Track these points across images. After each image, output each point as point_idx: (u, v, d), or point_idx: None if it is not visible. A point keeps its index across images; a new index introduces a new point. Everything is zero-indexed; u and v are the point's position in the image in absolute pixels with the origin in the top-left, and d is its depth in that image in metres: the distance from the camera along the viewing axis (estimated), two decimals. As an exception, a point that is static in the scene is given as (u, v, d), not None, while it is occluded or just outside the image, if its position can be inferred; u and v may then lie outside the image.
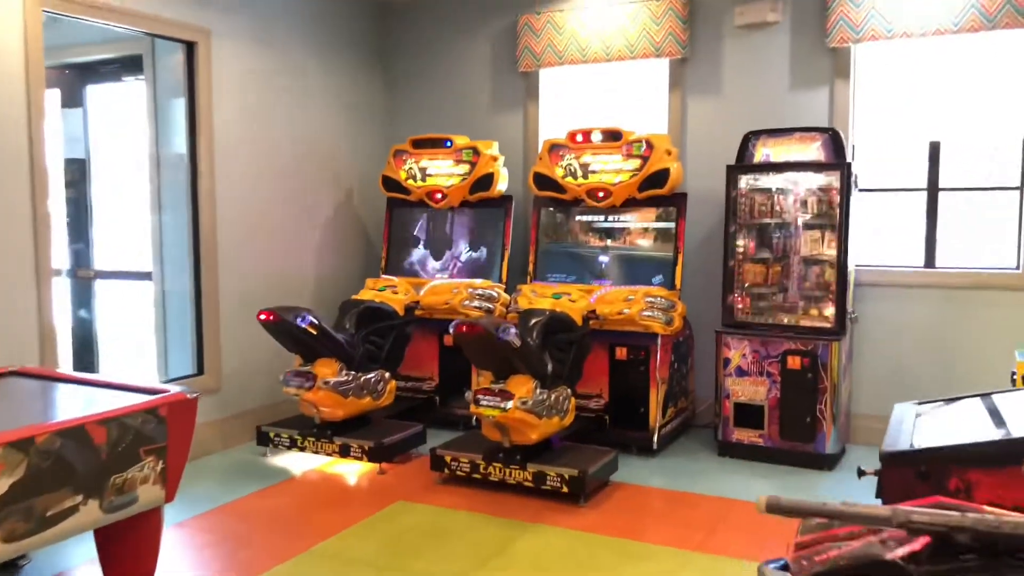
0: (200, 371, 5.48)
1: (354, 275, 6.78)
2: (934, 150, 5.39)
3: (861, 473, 2.35)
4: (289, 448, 5.32)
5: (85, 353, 5.69)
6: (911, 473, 2.15)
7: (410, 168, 6.39)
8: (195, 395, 3.47)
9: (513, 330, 4.45)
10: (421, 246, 6.47)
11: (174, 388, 3.50)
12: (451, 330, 4.56)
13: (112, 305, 5.96)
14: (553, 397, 4.74)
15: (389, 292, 5.98)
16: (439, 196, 6.27)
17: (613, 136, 5.64)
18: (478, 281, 6.04)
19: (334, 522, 4.34)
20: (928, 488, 2.11)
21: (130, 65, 5.82)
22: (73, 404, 3.54)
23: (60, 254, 5.39)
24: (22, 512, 2.81)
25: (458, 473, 4.84)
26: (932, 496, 1.85)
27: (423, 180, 6.34)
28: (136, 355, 5.96)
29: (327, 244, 6.55)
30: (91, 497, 3.05)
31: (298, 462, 5.32)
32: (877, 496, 2.25)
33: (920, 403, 2.83)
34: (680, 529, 4.25)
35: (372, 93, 7.00)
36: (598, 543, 4.06)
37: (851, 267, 5.25)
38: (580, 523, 4.30)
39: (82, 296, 5.79)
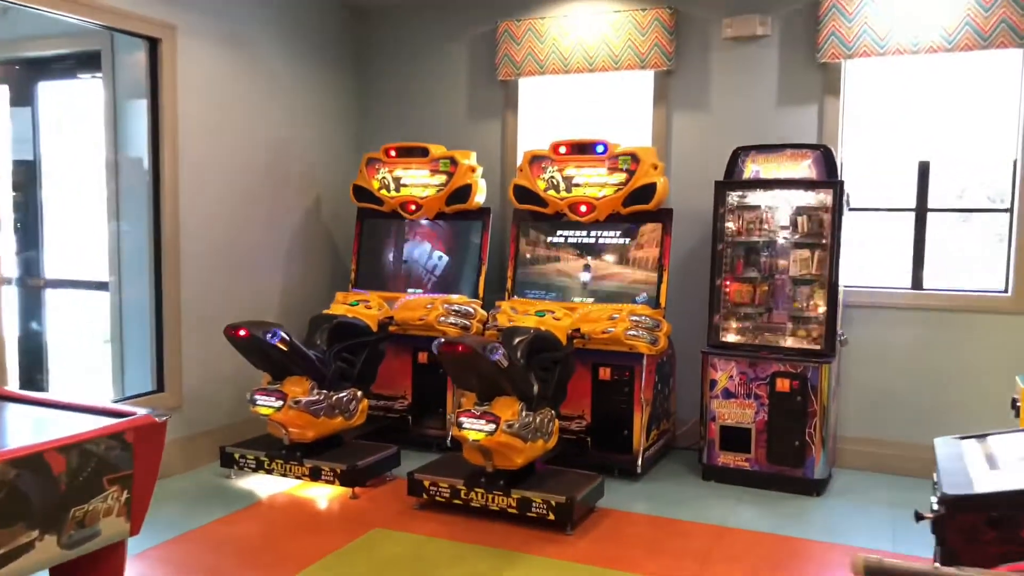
0: (160, 388, 5.15)
1: (321, 288, 6.49)
2: (923, 170, 5.32)
3: (920, 517, 2.16)
4: (255, 470, 5.01)
5: (34, 369, 5.30)
6: (978, 519, 1.98)
7: (383, 178, 6.13)
8: (164, 418, 3.18)
9: (501, 350, 4.22)
10: (393, 259, 6.20)
11: (140, 410, 3.20)
12: (435, 349, 4.32)
13: (64, 317, 5.58)
14: (538, 419, 4.52)
15: (362, 307, 5.70)
16: (413, 207, 6.03)
17: (598, 148, 5.46)
18: (454, 296, 5.80)
19: (308, 551, 4.05)
20: (997, 535, 1.95)
21: (86, 61, 5.49)
22: (27, 428, 3.22)
23: (7, 262, 5.02)
24: (-29, 552, 2.50)
25: (437, 498, 4.59)
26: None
27: (397, 190, 6.09)
28: (90, 371, 5.59)
29: (294, 255, 6.25)
30: (48, 532, 2.75)
31: (265, 485, 5.01)
32: (939, 543, 2.07)
33: (963, 438, 2.68)
34: (674, 559, 4.05)
35: (344, 99, 6.74)
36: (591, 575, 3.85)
37: (840, 288, 5.13)
38: (570, 554, 4.08)
39: (31, 307, 5.41)
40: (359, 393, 5.26)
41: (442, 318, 5.58)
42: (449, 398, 5.69)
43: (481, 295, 5.84)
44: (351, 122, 6.83)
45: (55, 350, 5.50)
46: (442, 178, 5.97)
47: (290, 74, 6.13)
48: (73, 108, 5.71)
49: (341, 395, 5.09)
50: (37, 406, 3.42)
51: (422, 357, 5.75)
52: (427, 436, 5.75)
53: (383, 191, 6.12)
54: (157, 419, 3.14)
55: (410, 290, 6.03)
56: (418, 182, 6.05)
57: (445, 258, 6.04)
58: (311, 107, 6.37)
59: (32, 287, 5.41)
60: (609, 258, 5.57)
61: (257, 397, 4.84)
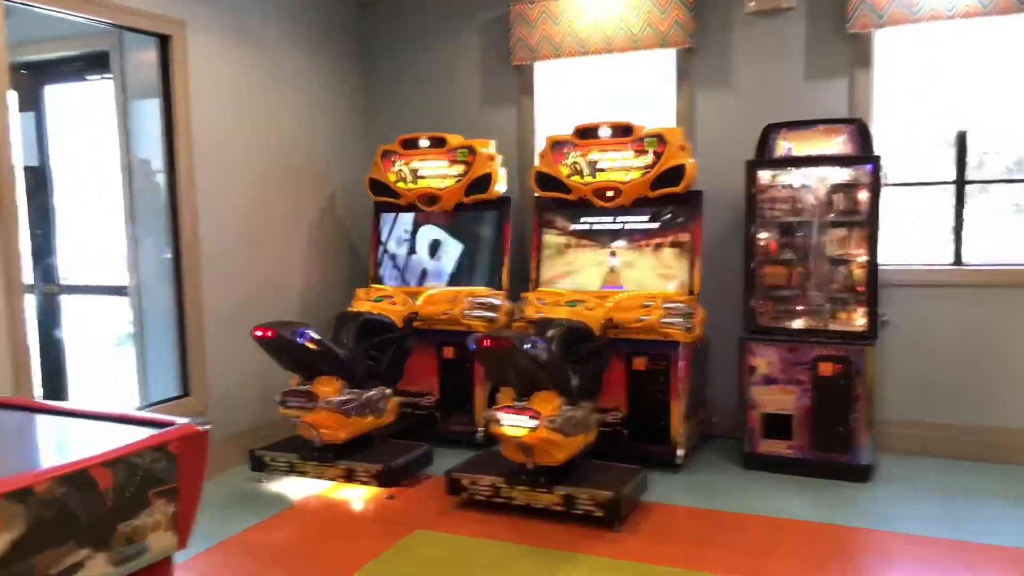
0: (185, 392, 5.01)
1: (339, 285, 6.34)
2: (961, 141, 5.17)
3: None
4: (287, 473, 4.88)
5: (54, 377, 5.15)
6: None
7: (400, 170, 5.98)
8: (207, 427, 3.02)
9: (541, 343, 4.09)
10: (413, 252, 6.05)
11: (181, 419, 3.05)
12: (472, 344, 4.18)
13: (82, 323, 5.42)
14: (579, 414, 4.39)
15: (386, 303, 5.56)
16: (432, 199, 5.88)
17: (623, 131, 5.31)
18: (478, 289, 5.66)
19: (350, 556, 3.92)
20: None
21: (94, 63, 5.32)
22: (64, 441, 3.08)
23: (26, 268, 4.87)
24: (22, 573, 2.36)
25: (477, 497, 4.46)
26: None
27: (414, 182, 5.94)
28: (110, 378, 5.44)
29: (312, 252, 6.10)
30: (98, 550, 2.60)
31: (298, 488, 4.86)
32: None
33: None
34: (732, 554, 3.91)
35: (355, 91, 6.58)
36: (651, 574, 3.71)
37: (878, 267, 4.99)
38: (622, 552, 3.94)
39: (48, 314, 5.26)
40: (388, 391, 5.13)
41: (467, 312, 5.44)
42: (477, 393, 5.56)
43: (505, 286, 5.70)
44: (363, 114, 6.67)
45: (74, 357, 5.35)
46: (460, 168, 5.82)
47: (299, 67, 5.97)
48: (82, 111, 5.54)
49: (371, 394, 4.96)
50: (67, 416, 3.27)
51: (448, 352, 5.62)
52: (455, 433, 5.62)
53: (400, 184, 5.97)
54: (200, 428, 3.00)
55: (431, 284, 5.89)
56: (436, 173, 5.90)
57: (466, 250, 5.89)
58: (322, 100, 6.22)
59: (48, 294, 5.26)
60: (637, 244, 5.43)
61: (287, 399, 4.71)
